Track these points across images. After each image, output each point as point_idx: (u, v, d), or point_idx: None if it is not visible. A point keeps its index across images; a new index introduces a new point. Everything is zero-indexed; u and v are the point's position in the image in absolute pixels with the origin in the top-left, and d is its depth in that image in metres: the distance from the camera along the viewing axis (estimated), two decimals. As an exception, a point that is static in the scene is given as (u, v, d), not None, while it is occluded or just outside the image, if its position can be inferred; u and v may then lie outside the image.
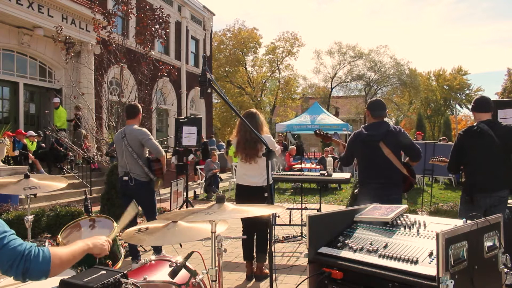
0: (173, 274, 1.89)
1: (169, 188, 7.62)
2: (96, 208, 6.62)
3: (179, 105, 17.82)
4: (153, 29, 8.13)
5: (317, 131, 4.57)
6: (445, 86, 42.81)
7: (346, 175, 5.54)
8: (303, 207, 6.30)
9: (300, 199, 6.56)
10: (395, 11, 74.90)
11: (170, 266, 2.17)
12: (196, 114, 18.56)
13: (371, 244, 1.97)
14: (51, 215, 6.25)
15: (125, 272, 1.76)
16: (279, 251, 5.38)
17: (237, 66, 32.18)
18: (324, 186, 11.08)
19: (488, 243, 1.87)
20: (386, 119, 3.80)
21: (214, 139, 20.61)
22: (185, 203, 7.61)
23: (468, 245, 1.72)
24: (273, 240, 4.62)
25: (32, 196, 3.20)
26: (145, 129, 4.74)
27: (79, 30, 11.82)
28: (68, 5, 11.36)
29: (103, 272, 1.72)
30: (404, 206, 2.33)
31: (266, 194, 3.94)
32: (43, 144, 10.80)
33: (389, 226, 2.13)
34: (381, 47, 34.76)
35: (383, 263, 1.81)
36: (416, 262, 1.73)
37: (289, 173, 6.90)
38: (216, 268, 1.92)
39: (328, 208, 8.66)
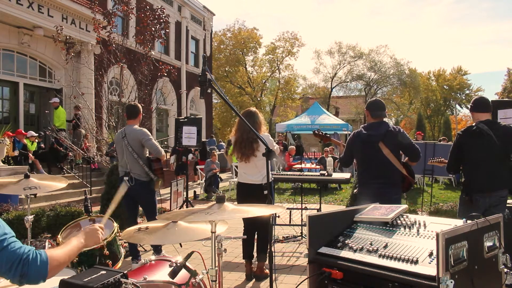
0: (173, 274, 1.89)
1: (169, 188, 7.62)
2: (96, 208, 6.62)
3: (179, 105, 17.82)
4: (153, 29, 8.12)
5: (316, 131, 4.58)
6: (445, 86, 42.83)
7: (346, 175, 5.54)
8: (303, 207, 6.30)
9: (300, 199, 6.56)
10: (395, 11, 75.00)
11: (170, 266, 2.17)
12: (196, 114, 18.56)
13: (371, 244, 1.97)
14: (51, 215, 6.25)
15: (125, 272, 1.76)
16: (279, 251, 5.38)
17: (237, 66, 32.18)
18: (324, 186, 11.08)
19: (488, 243, 1.87)
20: (385, 119, 3.81)
21: (214, 139, 20.62)
22: (185, 203, 7.61)
23: (468, 245, 1.72)
24: (273, 240, 4.62)
25: (32, 196, 3.20)
26: (145, 129, 4.74)
27: (79, 30, 11.82)
28: (68, 5, 11.36)
29: (103, 272, 1.72)
30: (404, 206, 2.33)
31: (265, 192, 3.95)
32: (42, 145, 10.79)
33: (389, 226, 2.13)
34: (381, 47, 34.83)
35: (383, 263, 1.81)
36: (416, 262, 1.73)
37: (289, 173, 6.90)
38: (216, 268, 1.92)
39: (328, 208, 8.66)
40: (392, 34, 71.71)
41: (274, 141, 5.12)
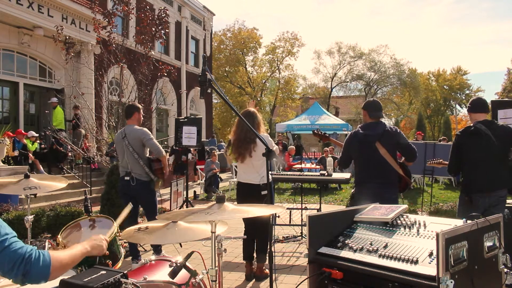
0: (173, 274, 1.89)
1: (169, 188, 7.62)
2: (96, 208, 6.62)
3: (179, 105, 17.82)
4: (153, 29, 8.12)
5: (315, 131, 4.60)
6: (445, 86, 42.84)
7: (346, 175, 5.54)
8: (303, 207, 6.30)
9: (300, 199, 6.56)
10: (395, 11, 75.01)
11: (170, 266, 2.17)
12: (196, 114, 18.56)
13: (371, 244, 1.97)
14: (51, 215, 6.25)
15: (125, 272, 1.76)
16: (279, 251, 5.38)
17: (237, 66, 32.18)
18: (324, 186, 11.08)
19: (488, 243, 1.87)
20: (384, 120, 3.82)
21: (215, 139, 20.60)
22: (185, 203, 7.61)
23: (468, 245, 1.72)
24: (273, 240, 4.62)
25: (32, 196, 3.20)
26: (145, 129, 4.74)
27: (79, 30, 11.82)
28: (68, 5, 11.37)
29: (103, 272, 1.72)
30: (404, 206, 2.33)
31: (263, 193, 3.96)
32: (43, 145, 10.78)
33: (389, 226, 2.13)
34: (381, 47, 34.85)
35: (383, 263, 1.81)
36: (416, 262, 1.73)
37: (289, 173, 6.90)
38: (216, 268, 1.92)
39: (328, 208, 8.66)
40: (392, 34, 71.82)
41: (274, 141, 5.12)
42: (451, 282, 1.56)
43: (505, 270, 1.97)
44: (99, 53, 10.38)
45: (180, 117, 8.92)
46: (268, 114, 33.25)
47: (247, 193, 4.21)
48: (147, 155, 4.75)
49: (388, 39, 72.65)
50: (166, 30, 8.75)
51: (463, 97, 42.68)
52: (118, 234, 3.09)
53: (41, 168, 9.86)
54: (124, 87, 8.32)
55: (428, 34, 76.54)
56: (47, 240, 3.09)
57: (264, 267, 4.34)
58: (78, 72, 11.83)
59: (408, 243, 1.90)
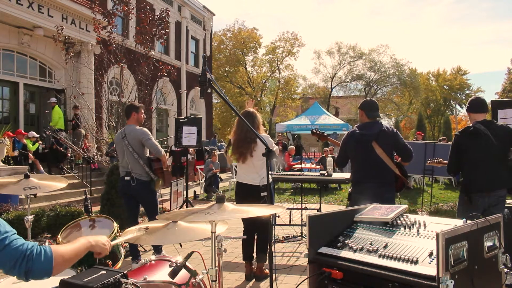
0: (173, 274, 1.89)
1: (169, 188, 7.62)
2: (96, 208, 6.61)
3: (179, 105, 17.82)
4: (154, 29, 8.12)
5: (314, 130, 4.61)
6: (445, 86, 42.83)
7: (346, 175, 5.53)
8: (303, 207, 6.30)
9: (300, 199, 6.56)
10: (395, 11, 75.02)
11: (170, 266, 2.17)
12: (196, 114, 18.56)
13: (371, 244, 1.97)
14: (51, 215, 6.25)
15: (125, 272, 1.76)
16: (279, 251, 5.38)
17: (237, 66, 32.18)
18: (324, 186, 11.08)
19: (488, 243, 1.87)
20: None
21: (216, 139, 20.59)
22: (185, 203, 7.61)
23: (468, 245, 1.72)
24: (273, 240, 4.62)
25: (32, 196, 3.20)
26: (145, 129, 4.73)
27: (79, 30, 11.82)
28: (68, 5, 11.37)
29: (103, 272, 1.72)
30: (404, 206, 2.33)
31: (262, 194, 3.95)
32: (43, 145, 10.78)
33: (389, 226, 2.13)
34: (381, 47, 34.85)
35: (383, 263, 1.81)
36: (416, 262, 1.72)
37: (289, 173, 6.90)
38: (216, 268, 1.92)
39: (328, 208, 8.66)
40: (392, 34, 71.84)
41: (274, 141, 5.12)
42: (451, 282, 1.56)
43: (505, 270, 1.96)
44: (99, 53, 10.39)
45: (180, 117, 8.92)
46: (268, 114, 33.25)
47: (247, 193, 4.20)
48: (147, 154, 4.75)
49: (388, 39, 72.82)
50: (167, 30, 8.75)
51: (463, 97, 42.67)
52: (118, 234, 3.10)
53: (41, 168, 9.87)
54: (124, 87, 8.32)
55: (428, 34, 76.66)
56: (47, 240, 3.10)
57: (264, 267, 4.34)
58: (78, 72, 11.84)
59: (408, 243, 1.90)
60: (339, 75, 35.81)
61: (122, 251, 3.27)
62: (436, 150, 8.00)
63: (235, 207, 1.99)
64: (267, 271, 4.28)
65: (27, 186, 2.94)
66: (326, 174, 5.45)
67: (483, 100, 3.67)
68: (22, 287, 2.14)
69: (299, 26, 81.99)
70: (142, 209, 5.17)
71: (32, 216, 3.32)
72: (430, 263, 1.70)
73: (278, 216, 6.20)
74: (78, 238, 1.74)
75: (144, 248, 5.52)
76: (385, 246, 1.92)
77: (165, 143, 15.56)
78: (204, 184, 11.47)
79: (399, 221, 2.15)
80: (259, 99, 32.36)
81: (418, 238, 1.93)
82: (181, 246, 5.40)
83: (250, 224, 4.33)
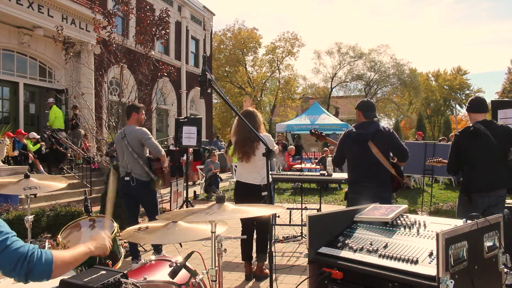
0: (173, 274, 1.89)
1: (169, 188, 7.62)
2: (96, 208, 6.62)
3: (179, 105, 17.82)
4: (154, 29, 8.12)
5: (312, 131, 4.63)
6: (445, 86, 42.83)
7: (346, 175, 5.53)
8: (303, 207, 6.30)
9: (300, 199, 6.56)
10: (395, 11, 75.02)
11: (170, 266, 2.17)
12: (196, 114, 18.56)
13: (371, 244, 1.97)
14: (51, 215, 6.25)
15: (125, 272, 1.76)
16: (279, 251, 5.38)
17: (237, 66, 32.17)
18: (324, 186, 11.08)
19: (488, 243, 1.87)
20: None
21: (217, 140, 20.57)
22: (185, 203, 7.61)
23: (468, 245, 1.72)
24: (273, 240, 4.62)
25: (32, 196, 3.20)
26: (145, 129, 4.73)
27: (79, 30, 11.82)
28: (68, 5, 11.37)
29: (103, 272, 1.72)
30: (404, 206, 2.33)
31: (263, 193, 3.95)
32: (45, 147, 10.76)
33: (389, 226, 2.13)
34: (382, 47, 34.86)
35: (383, 263, 1.81)
36: (416, 262, 1.72)
37: (289, 173, 6.90)
38: (216, 268, 1.92)
39: (328, 208, 8.66)
40: (392, 34, 71.84)
41: (274, 141, 5.11)
42: (451, 282, 1.56)
43: (505, 270, 1.96)
44: (99, 53, 10.38)
45: (180, 117, 8.92)
46: (268, 114, 33.24)
47: (247, 193, 4.20)
48: (147, 154, 4.75)
49: (388, 39, 72.94)
50: (167, 30, 8.75)
51: (463, 97, 42.68)
52: (118, 234, 3.10)
53: (41, 168, 9.87)
54: (124, 87, 8.32)
55: (428, 34, 76.63)
56: (47, 240, 3.09)
57: (264, 267, 4.34)
58: (78, 72, 11.83)
59: (408, 243, 1.90)
60: (339, 75, 35.87)
61: (122, 251, 3.27)
62: (436, 150, 8.00)
63: (235, 207, 1.99)
64: (267, 271, 4.28)
65: (27, 186, 2.94)
66: (326, 174, 5.46)
67: (483, 100, 3.67)
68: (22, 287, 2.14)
69: (299, 26, 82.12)
70: (142, 209, 5.18)
71: (32, 216, 3.32)
72: (430, 263, 1.70)
73: (278, 216, 6.20)
74: (79, 245, 1.75)
75: (144, 248, 5.52)
76: (385, 246, 1.92)
77: (165, 143, 15.56)
78: (204, 184, 11.47)
79: (399, 221, 2.15)
80: (259, 99, 32.36)
81: (418, 238, 1.93)
82: (181, 246, 5.40)
83: (249, 224, 4.33)
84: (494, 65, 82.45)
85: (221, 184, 12.29)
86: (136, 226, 2.34)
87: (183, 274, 1.94)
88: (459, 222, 1.92)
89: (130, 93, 8.27)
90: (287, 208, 6.35)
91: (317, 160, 12.91)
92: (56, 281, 1.70)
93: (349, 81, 36.36)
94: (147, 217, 5.24)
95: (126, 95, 8.29)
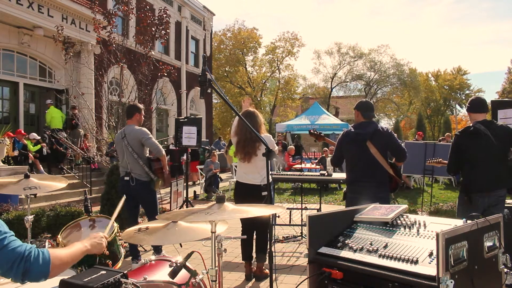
0: (173, 274, 1.89)
1: (169, 188, 7.62)
2: (96, 208, 6.61)
3: (179, 105, 17.82)
4: (154, 29, 8.12)
5: (311, 131, 4.64)
6: (445, 86, 42.83)
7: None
8: (303, 207, 6.30)
9: (300, 199, 6.56)
10: (395, 11, 75.01)
11: (170, 266, 2.17)
12: (196, 114, 18.56)
13: (371, 244, 1.97)
14: (51, 215, 6.25)
15: (125, 272, 1.76)
16: (279, 251, 5.38)
17: (237, 66, 32.17)
18: (324, 186, 11.08)
19: (488, 243, 1.87)
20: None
21: (219, 140, 20.54)
22: (185, 203, 7.61)
23: (468, 245, 1.72)
24: (273, 240, 4.62)
25: (32, 196, 3.20)
26: (145, 129, 4.73)
27: (79, 30, 11.82)
28: (68, 5, 11.36)
29: (103, 272, 1.72)
30: (404, 206, 2.33)
31: (263, 193, 3.95)
32: (46, 147, 10.75)
33: (389, 226, 2.14)
34: (382, 47, 34.87)
35: (383, 263, 1.81)
36: (416, 262, 1.73)
37: (289, 173, 6.90)
38: (216, 268, 1.92)
39: (328, 208, 8.66)
40: (392, 34, 71.83)
41: (274, 141, 5.11)
42: (451, 282, 1.56)
43: (505, 270, 1.96)
44: (99, 53, 10.39)
45: (180, 117, 8.92)
46: (268, 114, 33.24)
47: (247, 193, 4.19)
48: (147, 155, 4.75)
49: (388, 39, 72.93)
50: (167, 30, 8.75)
51: (463, 97, 42.68)
52: (118, 235, 3.10)
53: (41, 168, 9.87)
54: (124, 87, 8.33)
55: (428, 34, 76.59)
56: (47, 240, 3.09)
57: (264, 267, 4.34)
58: (78, 72, 11.84)
59: (408, 243, 1.90)
60: (339, 75, 35.87)
61: (122, 251, 3.27)
62: (436, 150, 8.00)
63: (235, 207, 1.99)
64: (267, 271, 4.28)
65: (27, 186, 2.94)
66: (326, 174, 5.46)
67: (483, 100, 3.67)
68: (23, 287, 2.14)
69: (299, 26, 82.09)
70: (142, 209, 5.18)
71: (32, 216, 3.32)
72: (430, 263, 1.70)
73: (278, 216, 6.20)
74: (75, 243, 1.75)
75: (144, 248, 5.52)
76: (385, 246, 1.92)
77: (165, 143, 15.57)
78: (204, 184, 11.47)
79: (399, 221, 2.15)
80: (259, 99, 32.36)
81: (418, 238, 1.93)
82: (181, 246, 5.40)
83: (249, 224, 4.33)
84: (494, 65, 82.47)
85: (221, 184, 12.29)
86: (136, 227, 2.34)
87: (183, 274, 1.94)
88: (459, 222, 1.92)
89: (130, 93, 8.28)
90: (287, 208, 6.35)
91: (316, 160, 12.91)
92: (56, 281, 1.70)
93: (349, 81, 36.39)
94: (146, 217, 5.24)
95: (126, 95, 8.29)
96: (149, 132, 4.73)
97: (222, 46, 32.29)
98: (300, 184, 8.22)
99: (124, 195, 2.76)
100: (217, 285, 1.93)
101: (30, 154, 9.58)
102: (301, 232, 6.12)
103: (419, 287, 1.64)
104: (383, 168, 3.65)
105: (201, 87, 2.32)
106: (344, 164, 4.02)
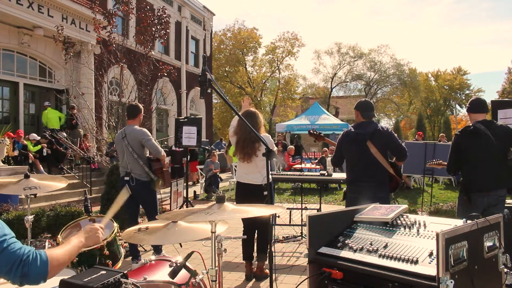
0: (173, 274, 1.89)
1: (169, 188, 7.62)
2: (96, 208, 6.62)
3: (179, 105, 17.82)
4: (154, 29, 8.12)
5: (311, 131, 4.64)
6: (445, 86, 42.84)
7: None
8: (303, 207, 6.30)
9: (300, 199, 6.56)
10: (395, 11, 74.99)
11: (170, 266, 2.17)
12: (196, 114, 18.56)
13: (371, 244, 1.97)
14: (51, 215, 6.25)
15: (125, 272, 1.76)
16: (279, 251, 5.38)
17: (237, 66, 32.17)
18: (324, 186, 11.08)
19: (488, 243, 1.87)
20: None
21: (221, 141, 20.53)
22: (185, 203, 7.61)
23: (468, 245, 1.72)
24: (273, 240, 4.62)
25: (32, 196, 3.20)
26: (145, 129, 4.74)
27: (79, 30, 11.82)
28: (68, 5, 11.36)
29: (103, 272, 1.72)
30: (404, 206, 2.33)
31: (265, 193, 3.95)
32: (45, 148, 10.75)
33: (389, 226, 2.14)
34: (382, 47, 34.88)
35: (383, 263, 1.81)
36: (416, 262, 1.73)
37: (289, 173, 6.90)
38: (216, 268, 1.92)
39: (328, 208, 8.66)
40: (392, 34, 71.81)
41: (274, 141, 5.11)
42: (451, 282, 1.56)
43: (505, 270, 1.96)
44: (99, 53, 10.39)
45: (180, 117, 8.93)
46: (268, 114, 33.24)
47: (249, 193, 4.19)
48: (147, 155, 4.75)
49: (388, 39, 72.84)
50: (167, 30, 8.75)
51: (463, 97, 42.68)
52: (118, 234, 3.10)
53: (41, 168, 9.87)
54: (124, 87, 8.33)
55: (428, 34, 76.55)
56: (47, 240, 3.09)
57: (264, 267, 4.34)
58: (78, 72, 11.83)
59: (408, 243, 1.90)
60: (339, 75, 35.87)
61: (122, 251, 3.27)
62: (436, 150, 8.00)
63: (235, 207, 1.99)
64: (267, 271, 4.28)
65: (27, 186, 2.94)
66: (326, 174, 5.46)
67: (483, 100, 3.69)
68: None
69: (299, 26, 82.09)
70: (142, 209, 5.18)
71: (32, 216, 3.32)
72: (430, 263, 1.70)
73: (278, 216, 6.20)
74: (70, 238, 1.74)
75: (144, 248, 5.52)
76: (385, 246, 1.92)
77: (165, 143, 15.57)
78: (204, 184, 11.47)
79: (399, 221, 2.15)
80: (259, 99, 32.36)
81: (418, 238, 1.93)
82: (181, 246, 5.40)
83: (250, 224, 4.32)
84: (494, 65, 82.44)
85: (221, 184, 12.29)
86: (136, 227, 2.34)
87: (183, 274, 1.94)
88: (459, 222, 1.92)
89: (130, 93, 8.28)
90: (287, 208, 6.35)
91: (316, 160, 12.91)
92: (56, 281, 1.70)
93: (349, 81, 36.39)
94: (146, 217, 5.24)
95: (126, 95, 8.30)
96: (149, 133, 4.74)
97: (222, 46, 32.29)
98: (300, 184, 8.22)
99: (128, 187, 2.73)
100: (217, 285, 1.93)
101: (30, 154, 9.58)
102: (301, 232, 6.12)
103: (419, 287, 1.64)
104: (383, 168, 3.65)
105: (201, 87, 2.32)
106: (344, 164, 4.02)
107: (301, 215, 6.32)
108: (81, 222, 3.32)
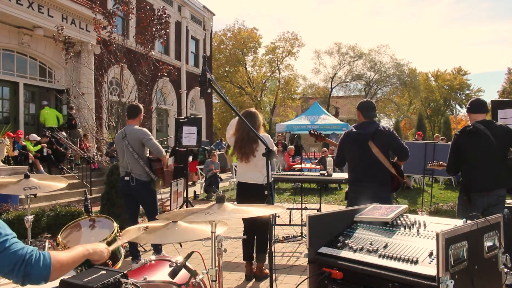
0: (173, 274, 1.89)
1: (169, 188, 7.62)
2: (96, 208, 6.61)
3: (179, 105, 17.82)
4: (154, 29, 8.13)
5: (311, 131, 4.64)
6: (445, 86, 42.84)
7: (346, 175, 5.53)
8: (303, 207, 6.30)
9: (300, 199, 6.56)
10: (395, 11, 74.99)
11: (170, 266, 2.17)
12: (196, 114, 18.56)
13: (371, 244, 1.97)
14: (51, 215, 6.25)
15: (125, 272, 1.75)
16: (279, 251, 5.38)
17: (237, 66, 32.17)
18: (324, 186, 11.08)
19: (488, 243, 1.87)
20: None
21: (221, 142, 20.52)
22: (185, 203, 7.61)
23: (468, 245, 1.72)
24: (273, 240, 4.62)
25: (32, 196, 3.20)
26: (145, 129, 4.74)
27: (79, 30, 11.82)
28: (68, 5, 11.37)
29: (103, 272, 1.71)
30: (404, 206, 2.33)
31: (266, 192, 3.94)
32: (45, 148, 10.75)
33: (389, 226, 2.13)
34: (382, 47, 34.88)
35: (383, 263, 1.81)
36: (416, 262, 1.72)
37: (289, 173, 6.90)
38: (216, 268, 1.92)
39: (328, 208, 8.66)
40: (392, 34, 71.82)
41: (274, 141, 5.11)
42: (451, 282, 1.56)
43: (505, 270, 1.96)
44: (99, 53, 10.39)
45: (180, 117, 8.93)
46: (268, 114, 33.24)
47: (250, 193, 4.19)
48: (147, 155, 4.75)
49: (388, 39, 72.90)
50: (167, 30, 8.76)
51: (463, 97, 42.68)
52: (118, 234, 3.10)
53: (41, 168, 9.87)
54: (124, 87, 8.33)
55: (428, 34, 76.56)
56: (47, 240, 3.09)
57: (264, 267, 4.34)
58: (78, 72, 11.83)
59: (408, 243, 1.90)
60: (339, 75, 35.88)
61: (122, 251, 3.26)
62: (436, 150, 8.00)
63: (235, 207, 1.99)
64: (267, 271, 4.28)
65: (27, 186, 2.94)
66: (326, 174, 5.46)
67: (483, 101, 3.69)
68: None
69: (299, 26, 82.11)
70: (142, 209, 5.18)
71: (32, 216, 3.32)
72: (430, 263, 1.70)
73: (278, 216, 6.20)
74: (77, 246, 1.74)
75: (144, 248, 5.52)
76: (385, 246, 1.92)
77: (165, 143, 15.57)
78: (204, 184, 11.46)
79: (399, 221, 2.15)
80: (259, 99, 32.36)
81: (418, 238, 1.93)
82: (181, 246, 5.40)
83: (251, 224, 4.32)
84: (494, 65, 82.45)
85: (221, 184, 12.29)
86: (136, 226, 2.34)
87: (183, 274, 1.94)
88: (459, 222, 1.92)
89: (130, 93, 8.28)
90: (287, 208, 6.35)
91: (316, 160, 12.91)
92: (56, 281, 1.70)
93: (349, 81, 36.40)
94: (146, 217, 5.24)
95: (126, 95, 8.30)
96: (149, 133, 4.74)
97: (222, 46, 32.29)
98: (300, 184, 8.22)
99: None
100: (217, 285, 1.93)
101: (30, 154, 9.58)
102: (301, 232, 6.12)
103: (419, 287, 1.64)
104: (385, 168, 3.64)
105: (201, 87, 2.32)
106: (346, 164, 4.02)
107: (301, 215, 6.32)
108: (81, 222, 3.31)
